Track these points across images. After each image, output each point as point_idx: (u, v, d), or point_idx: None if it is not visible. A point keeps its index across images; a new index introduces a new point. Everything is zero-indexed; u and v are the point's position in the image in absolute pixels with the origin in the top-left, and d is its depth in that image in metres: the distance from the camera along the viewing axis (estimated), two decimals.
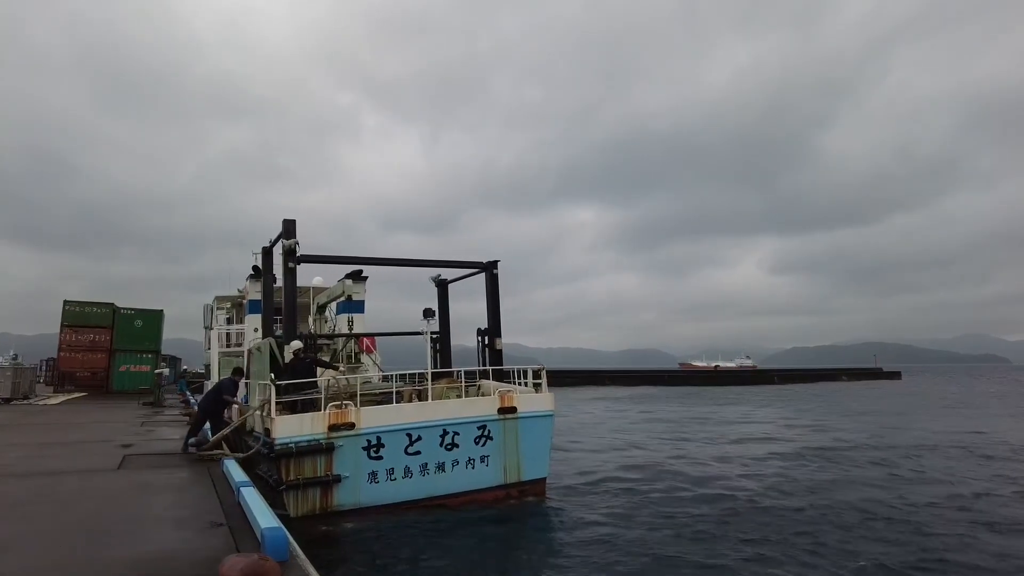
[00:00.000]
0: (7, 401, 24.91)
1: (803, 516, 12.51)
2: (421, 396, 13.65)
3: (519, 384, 14.94)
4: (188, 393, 32.76)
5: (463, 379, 14.95)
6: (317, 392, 12.68)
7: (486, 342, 16.33)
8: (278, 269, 14.97)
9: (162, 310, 36.69)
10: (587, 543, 10.87)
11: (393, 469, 12.25)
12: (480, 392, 14.82)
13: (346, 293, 21.49)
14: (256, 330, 19.62)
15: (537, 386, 14.52)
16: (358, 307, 22.58)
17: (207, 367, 28.92)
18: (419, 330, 15.39)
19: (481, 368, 15.59)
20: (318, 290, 23.53)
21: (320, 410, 11.87)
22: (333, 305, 23.37)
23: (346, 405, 12.06)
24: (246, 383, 15.44)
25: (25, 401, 25.96)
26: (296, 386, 12.45)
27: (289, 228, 13.69)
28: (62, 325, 33.24)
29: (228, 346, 25.57)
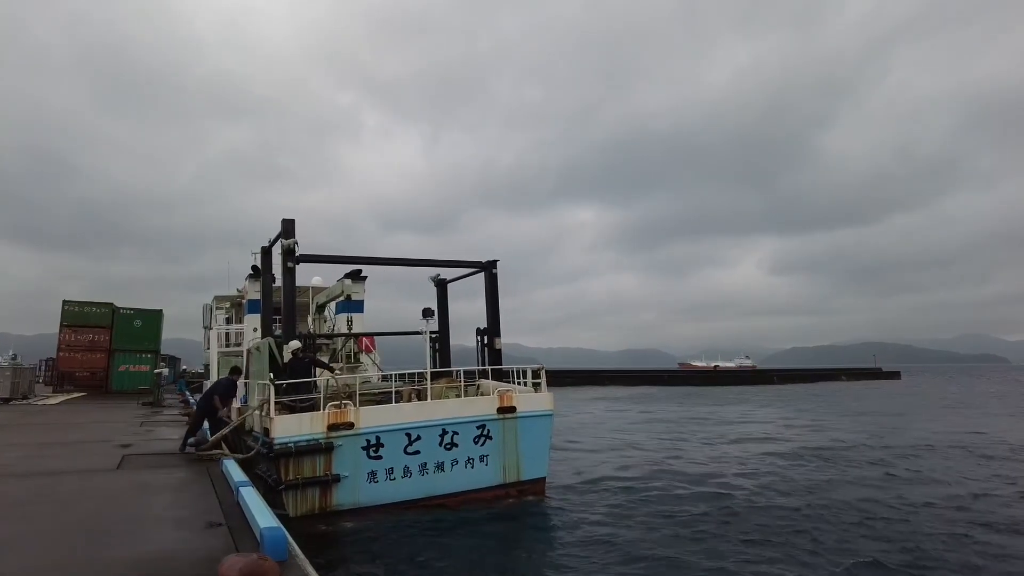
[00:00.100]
0: (6, 401, 24.89)
1: (802, 516, 12.52)
2: (420, 396, 13.67)
3: (518, 384, 14.96)
4: (187, 393, 32.75)
5: (462, 379, 14.98)
6: (316, 392, 12.69)
7: (485, 342, 16.34)
8: (277, 269, 14.98)
9: (161, 310, 36.68)
10: (587, 543, 10.88)
11: (392, 469, 12.26)
12: (479, 392, 14.83)
13: (345, 293, 21.50)
14: (255, 330, 19.63)
15: (536, 386, 14.54)
16: (357, 307, 22.58)
17: (206, 367, 28.92)
18: (418, 330, 15.39)
19: (480, 368, 15.60)
20: (317, 290, 23.54)
21: (319, 410, 11.89)
22: (332, 305, 23.37)
23: (345, 405, 12.07)
24: (245, 383, 15.44)
25: (24, 401, 25.95)
26: (295, 386, 12.46)
27: (288, 228, 13.70)
28: (61, 325, 33.22)
29: (227, 346, 25.58)
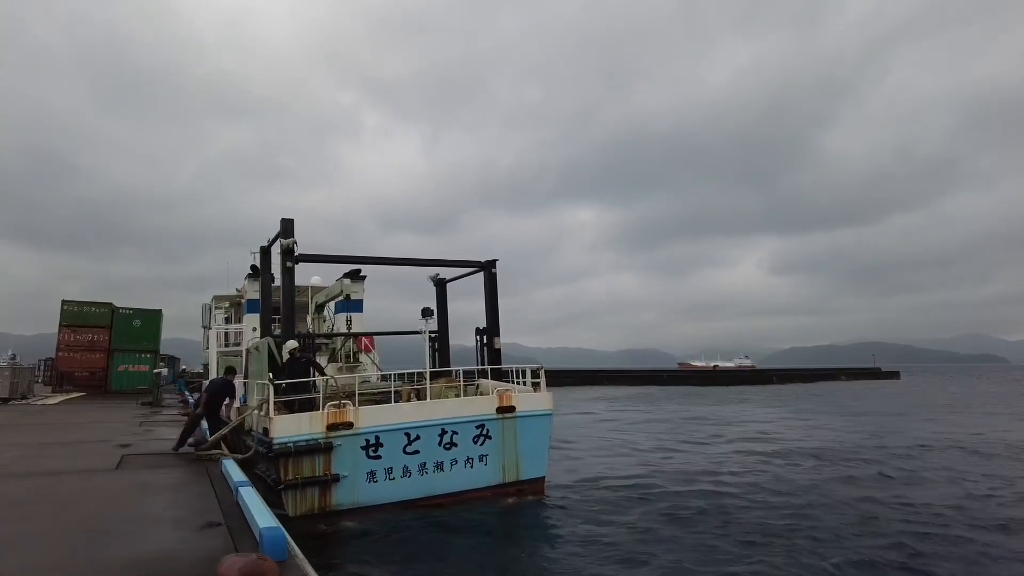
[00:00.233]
0: (6, 401, 24.89)
1: (802, 516, 12.52)
2: (420, 395, 13.66)
3: (518, 383, 14.96)
4: (187, 393, 32.76)
5: (462, 378, 14.98)
6: (315, 392, 12.69)
7: (484, 341, 16.35)
8: (276, 269, 14.98)
9: (160, 310, 36.70)
10: (586, 542, 10.88)
11: (392, 468, 12.26)
12: (479, 391, 14.84)
13: (344, 292, 21.52)
14: (254, 329, 19.63)
15: (536, 385, 14.54)
16: (356, 306, 22.58)
17: (206, 367, 28.93)
18: (417, 329, 15.40)
19: (480, 367, 15.61)
20: (316, 289, 23.55)
21: (319, 409, 11.89)
22: (331, 304, 23.38)
23: (344, 404, 12.07)
24: (244, 383, 15.43)
25: (23, 401, 25.95)
26: (293, 386, 12.46)
27: (287, 227, 13.70)
28: (60, 325, 33.22)
29: (227, 346, 25.59)
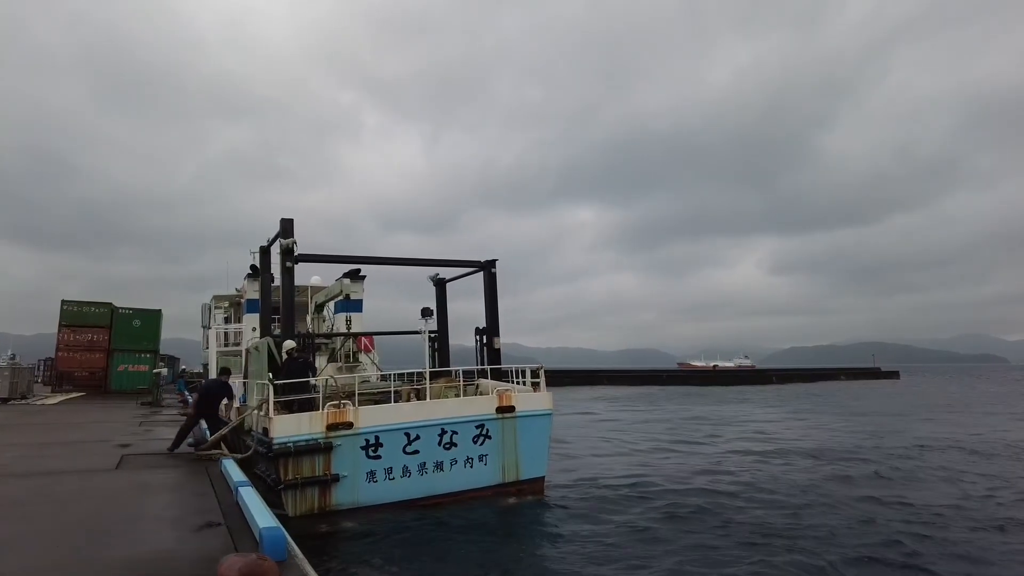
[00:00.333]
0: (5, 401, 24.88)
1: (801, 516, 12.53)
2: (419, 395, 13.66)
3: (518, 383, 14.96)
4: (186, 393, 32.76)
5: (461, 378, 14.98)
6: (314, 392, 12.68)
7: (484, 341, 16.35)
8: (276, 268, 14.98)
9: (160, 310, 36.68)
10: (586, 542, 10.89)
11: (392, 468, 12.26)
12: (478, 391, 14.84)
13: (344, 292, 21.53)
14: (254, 329, 19.63)
15: (535, 385, 14.54)
16: (356, 306, 22.58)
17: (205, 366, 28.94)
18: (417, 329, 15.40)
19: (479, 367, 15.61)
20: (316, 289, 23.56)
21: (318, 409, 11.89)
22: (331, 304, 23.39)
23: (344, 404, 12.07)
24: (244, 383, 15.43)
25: (23, 401, 25.94)
26: (291, 386, 12.46)
27: (287, 227, 13.70)
28: (60, 325, 33.20)
29: (226, 345, 25.59)
